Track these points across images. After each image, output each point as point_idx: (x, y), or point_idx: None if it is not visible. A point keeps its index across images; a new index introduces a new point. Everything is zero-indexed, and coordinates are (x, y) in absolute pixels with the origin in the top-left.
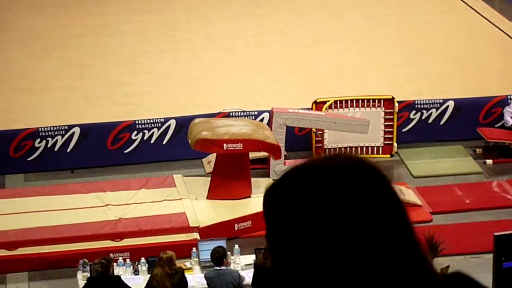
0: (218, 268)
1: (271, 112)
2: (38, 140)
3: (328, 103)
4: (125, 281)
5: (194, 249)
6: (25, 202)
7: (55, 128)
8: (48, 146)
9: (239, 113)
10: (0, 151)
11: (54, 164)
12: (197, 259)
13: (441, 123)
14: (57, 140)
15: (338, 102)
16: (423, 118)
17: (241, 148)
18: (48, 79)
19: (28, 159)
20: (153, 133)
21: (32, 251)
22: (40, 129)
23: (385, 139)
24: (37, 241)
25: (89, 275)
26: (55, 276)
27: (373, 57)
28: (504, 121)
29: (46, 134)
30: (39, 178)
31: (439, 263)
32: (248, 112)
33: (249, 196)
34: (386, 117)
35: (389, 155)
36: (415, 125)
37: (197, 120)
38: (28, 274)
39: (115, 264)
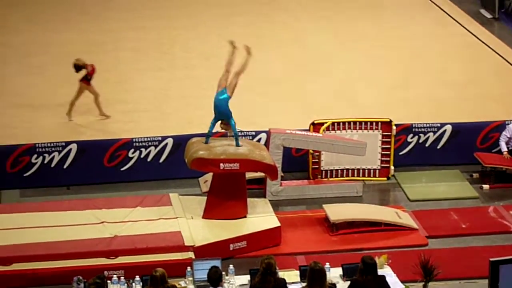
0: None
1: (268, 133)
2: (35, 156)
3: (325, 125)
4: None
5: (189, 268)
6: (21, 218)
7: (52, 144)
8: (45, 162)
9: None
10: None
11: (50, 180)
12: (191, 279)
13: (438, 147)
14: (54, 156)
15: (336, 124)
16: (420, 141)
17: (238, 168)
18: (47, 95)
19: (25, 175)
20: (150, 151)
21: (27, 267)
22: (37, 145)
23: (382, 161)
24: (32, 257)
25: None
26: None
27: (372, 80)
28: (499, 147)
29: (43, 150)
30: (35, 194)
31: (434, 287)
32: (245, 132)
33: (245, 216)
34: (383, 140)
35: (385, 178)
36: (412, 149)
37: (194, 139)
38: None
39: (109, 281)
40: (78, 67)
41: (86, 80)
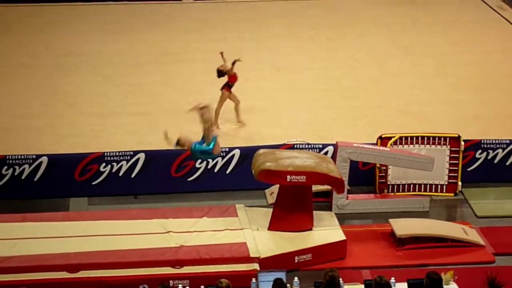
0: None
1: (335, 146)
2: (104, 164)
3: (393, 139)
4: None
5: (253, 280)
6: (88, 226)
7: (120, 153)
8: (113, 171)
9: (304, 145)
10: (66, 174)
11: (118, 189)
12: None
13: (507, 163)
14: (122, 165)
15: (404, 138)
16: (489, 158)
17: (304, 180)
18: (116, 105)
19: (93, 183)
20: (217, 162)
21: (93, 274)
22: (105, 153)
23: (449, 177)
24: (99, 265)
25: None
26: None
27: (441, 95)
28: None
29: (112, 159)
30: (102, 202)
31: None
32: (312, 145)
33: (311, 229)
34: (451, 155)
35: (453, 194)
36: (480, 165)
37: (261, 151)
38: None
39: None
40: (220, 73)
41: (228, 87)
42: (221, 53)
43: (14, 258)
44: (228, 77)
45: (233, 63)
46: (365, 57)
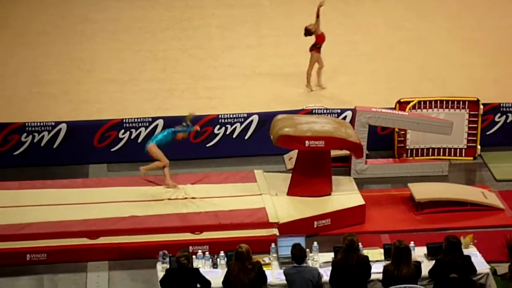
0: (298, 265)
1: (354, 111)
2: (122, 131)
3: (411, 103)
4: (204, 274)
5: (273, 245)
6: (108, 192)
7: (139, 120)
8: (132, 137)
9: (322, 110)
10: (85, 141)
11: (137, 155)
12: (275, 255)
13: None
14: (140, 131)
15: (422, 102)
16: (508, 121)
17: (323, 145)
18: (134, 71)
19: (112, 150)
20: (235, 128)
21: (113, 240)
22: (124, 120)
23: (468, 141)
24: (118, 231)
25: (168, 266)
26: (135, 266)
27: (459, 59)
28: None
29: (130, 125)
30: (121, 169)
31: None
32: (331, 110)
33: (329, 194)
34: (470, 119)
35: (472, 158)
36: (499, 128)
37: (279, 116)
38: (108, 263)
39: (194, 256)
40: (308, 32)
41: (316, 48)
42: (320, 5)
43: (34, 224)
44: (315, 37)
45: (318, 14)
46: (381, 22)
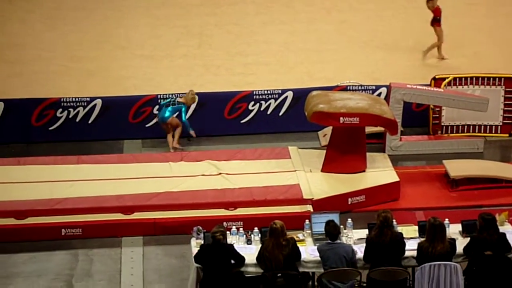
0: (332, 242)
1: (389, 87)
2: (157, 106)
3: (447, 80)
4: (238, 250)
5: (307, 221)
6: (142, 168)
7: (173, 96)
8: None
9: (357, 87)
10: (120, 116)
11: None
12: (309, 231)
13: None
14: None
15: (458, 79)
16: None
17: (358, 122)
18: (169, 47)
19: (146, 126)
20: (269, 104)
21: (147, 216)
22: (159, 96)
23: (504, 118)
24: (153, 207)
25: (202, 242)
26: (169, 242)
27: (495, 35)
28: None
29: None
30: (156, 145)
31: None
32: (365, 87)
33: (364, 171)
34: (506, 95)
35: (507, 135)
36: None
37: (314, 93)
38: (143, 238)
39: (228, 232)
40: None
41: (437, 21)
42: None
43: (69, 199)
44: (432, 12)
45: None
46: None
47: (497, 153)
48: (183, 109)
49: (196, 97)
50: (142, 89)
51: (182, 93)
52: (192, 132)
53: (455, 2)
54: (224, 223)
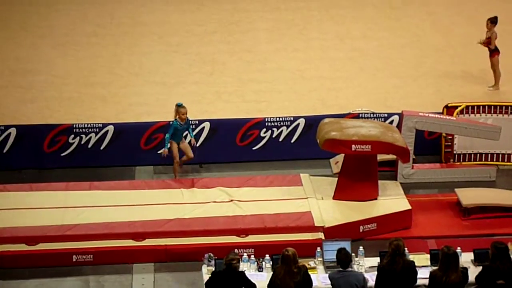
0: (343, 269)
1: (401, 115)
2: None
3: (459, 108)
4: (249, 277)
5: (318, 249)
6: (154, 194)
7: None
8: None
9: (369, 114)
10: (132, 143)
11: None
12: (321, 259)
13: None
14: (186, 134)
15: (470, 107)
16: None
17: (370, 149)
18: (181, 74)
19: (158, 152)
20: (282, 131)
21: (158, 242)
22: (170, 122)
23: None
24: (164, 233)
25: (213, 269)
26: (180, 268)
27: (507, 64)
28: None
29: None
30: (168, 171)
31: None
32: (377, 114)
33: (376, 198)
34: None
35: None
36: None
37: (326, 120)
38: (154, 265)
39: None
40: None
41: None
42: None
43: (80, 226)
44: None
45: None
46: (429, 26)
47: (509, 181)
48: (172, 123)
49: (182, 109)
50: (154, 115)
51: (197, 119)
52: (161, 151)
53: (468, 30)
54: (236, 250)
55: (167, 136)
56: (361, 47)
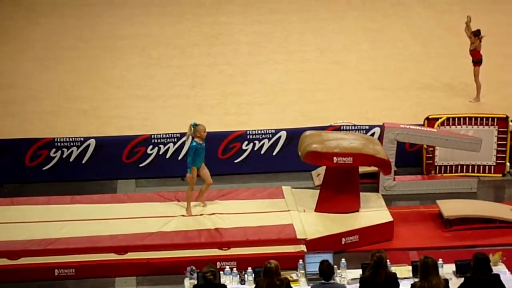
0: (325, 282)
1: (382, 127)
2: (151, 147)
3: (440, 120)
4: None
5: (300, 261)
6: (136, 208)
7: (167, 136)
8: (160, 153)
9: (350, 127)
10: (113, 156)
11: (165, 171)
12: (303, 271)
13: None
14: (169, 147)
15: (451, 119)
16: None
17: (351, 162)
18: (163, 87)
19: (140, 165)
20: (263, 144)
21: (141, 256)
22: (153, 136)
23: (497, 158)
24: (146, 247)
25: (196, 282)
26: (163, 282)
27: (487, 75)
28: None
29: (159, 141)
30: (150, 184)
31: None
32: (359, 126)
33: (357, 211)
34: (499, 136)
35: (501, 175)
36: None
37: (307, 133)
38: (136, 278)
39: (221, 272)
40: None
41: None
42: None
43: (62, 240)
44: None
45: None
46: (409, 37)
47: (490, 193)
48: (191, 145)
49: (200, 127)
50: (136, 129)
51: (179, 133)
52: (185, 177)
53: (448, 41)
54: (218, 263)
55: (189, 159)
56: (342, 60)
